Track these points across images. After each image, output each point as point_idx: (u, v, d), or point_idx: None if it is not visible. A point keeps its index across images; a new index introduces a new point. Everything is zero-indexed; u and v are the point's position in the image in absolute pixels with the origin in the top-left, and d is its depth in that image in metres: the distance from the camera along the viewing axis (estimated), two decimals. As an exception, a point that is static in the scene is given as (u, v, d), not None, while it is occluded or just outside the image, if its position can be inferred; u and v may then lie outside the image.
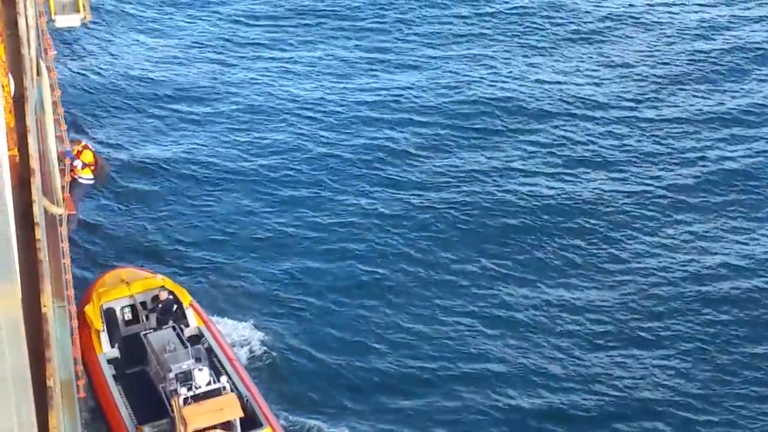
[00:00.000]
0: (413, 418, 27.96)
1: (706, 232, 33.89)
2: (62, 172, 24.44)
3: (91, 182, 26.54)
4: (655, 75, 42.00)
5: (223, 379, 25.00)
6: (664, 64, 42.68)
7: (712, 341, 29.84)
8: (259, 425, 24.73)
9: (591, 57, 43.49)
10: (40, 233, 14.72)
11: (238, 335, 29.81)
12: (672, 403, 28.13)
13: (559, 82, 41.53)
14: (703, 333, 30.16)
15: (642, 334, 30.13)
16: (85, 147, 26.63)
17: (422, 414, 28.04)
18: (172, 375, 24.44)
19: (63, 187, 23.24)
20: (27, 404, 11.44)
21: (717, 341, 29.83)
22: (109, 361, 26.66)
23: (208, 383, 24.53)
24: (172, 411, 24.41)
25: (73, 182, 26.12)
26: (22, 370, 11.57)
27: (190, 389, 24.21)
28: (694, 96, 40.76)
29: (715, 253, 32.94)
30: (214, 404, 23.96)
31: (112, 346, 27.06)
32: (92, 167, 26.30)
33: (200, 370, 24.64)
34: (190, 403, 23.90)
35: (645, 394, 28.29)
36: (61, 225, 21.27)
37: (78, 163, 26.33)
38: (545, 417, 27.86)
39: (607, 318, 30.74)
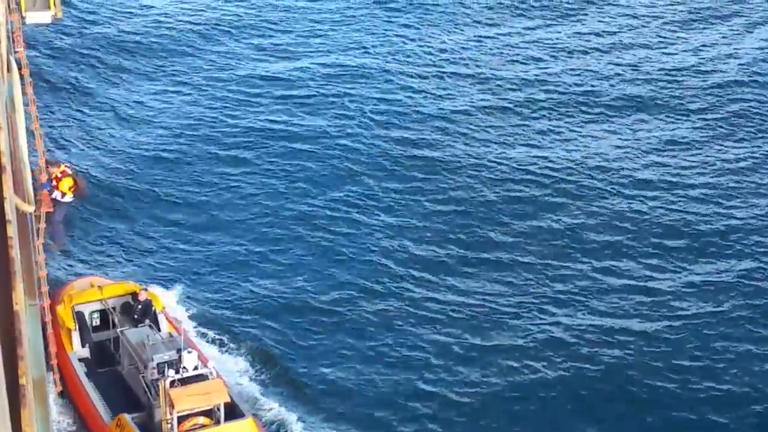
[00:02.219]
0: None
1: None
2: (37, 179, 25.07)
3: (70, 201, 27.19)
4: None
5: (210, 364, 25.35)
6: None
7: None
8: (240, 415, 25.00)
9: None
10: (12, 231, 14.95)
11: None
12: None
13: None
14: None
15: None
16: (64, 173, 27.15)
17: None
18: (153, 364, 24.75)
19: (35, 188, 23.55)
20: (0, 402, 11.67)
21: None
22: (80, 360, 27.00)
23: (195, 367, 24.87)
24: (153, 399, 24.74)
25: (54, 202, 26.74)
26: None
27: (177, 372, 24.55)
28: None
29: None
30: (201, 388, 24.35)
31: (83, 347, 27.41)
32: (72, 189, 26.94)
33: (189, 352, 24.99)
34: (177, 386, 24.24)
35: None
36: (39, 222, 21.43)
37: (57, 194, 27.04)
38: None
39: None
